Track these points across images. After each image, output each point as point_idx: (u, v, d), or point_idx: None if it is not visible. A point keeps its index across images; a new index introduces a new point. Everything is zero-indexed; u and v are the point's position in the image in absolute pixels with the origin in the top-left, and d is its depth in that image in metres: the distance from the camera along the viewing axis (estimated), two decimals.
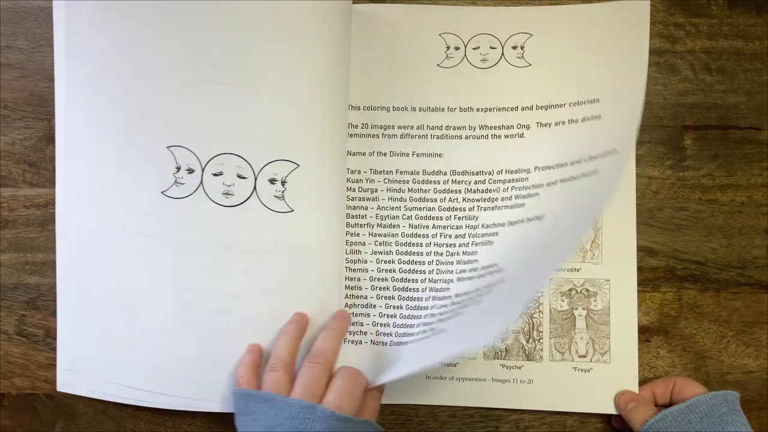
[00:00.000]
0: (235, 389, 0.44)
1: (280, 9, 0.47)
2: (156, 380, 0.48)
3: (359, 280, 0.52)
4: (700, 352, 0.52)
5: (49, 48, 0.49)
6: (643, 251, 0.52)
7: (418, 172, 0.52)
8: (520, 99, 0.52)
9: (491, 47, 0.52)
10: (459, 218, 0.51)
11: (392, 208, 0.52)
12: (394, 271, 0.51)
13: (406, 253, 0.51)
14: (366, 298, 0.51)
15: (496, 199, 0.51)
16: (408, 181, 0.52)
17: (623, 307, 0.51)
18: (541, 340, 0.52)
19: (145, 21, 0.47)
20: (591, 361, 0.51)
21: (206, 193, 0.48)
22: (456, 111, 0.52)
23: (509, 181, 0.51)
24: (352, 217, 0.52)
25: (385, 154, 0.52)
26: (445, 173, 0.52)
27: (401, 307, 0.51)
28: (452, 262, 0.51)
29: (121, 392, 0.48)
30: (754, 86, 0.53)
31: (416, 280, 0.51)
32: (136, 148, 0.48)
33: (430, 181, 0.52)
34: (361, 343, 0.51)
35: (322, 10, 0.48)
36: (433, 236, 0.51)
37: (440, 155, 0.52)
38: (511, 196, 0.51)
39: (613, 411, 0.50)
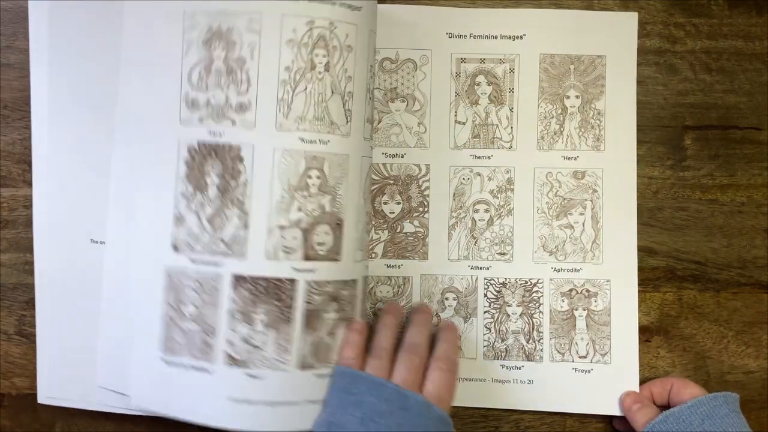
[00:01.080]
0: (342, 368, 0.44)
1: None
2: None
3: None
4: (701, 352, 0.52)
5: None
6: (643, 251, 0.52)
7: None
8: None
9: None
10: None
11: None
12: None
13: None
14: None
15: None
16: None
17: (623, 307, 0.51)
18: (541, 341, 0.51)
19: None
20: (591, 362, 0.51)
21: None
22: None
23: None
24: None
25: None
26: None
27: None
28: None
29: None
30: (754, 86, 0.53)
31: None
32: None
33: None
34: None
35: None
36: None
37: None
38: None
39: (613, 412, 0.50)
